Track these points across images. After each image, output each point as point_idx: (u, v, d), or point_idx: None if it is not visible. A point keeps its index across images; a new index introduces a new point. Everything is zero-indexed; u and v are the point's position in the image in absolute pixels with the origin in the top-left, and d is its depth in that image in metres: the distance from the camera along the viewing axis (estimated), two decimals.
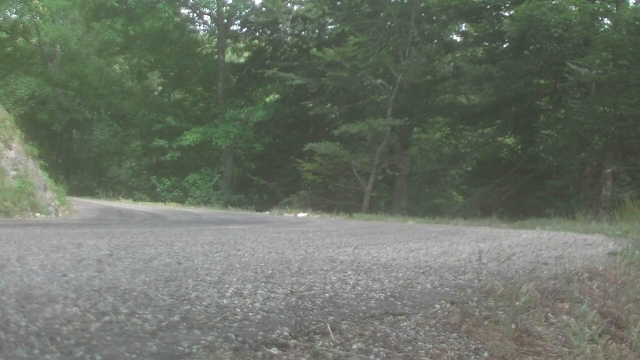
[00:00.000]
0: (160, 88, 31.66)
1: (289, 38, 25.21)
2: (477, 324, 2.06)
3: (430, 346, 1.81)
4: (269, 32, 25.75)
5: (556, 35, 15.75)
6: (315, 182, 21.59)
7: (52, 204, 9.90)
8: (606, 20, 16.31)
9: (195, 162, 26.42)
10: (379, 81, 20.46)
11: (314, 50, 21.02)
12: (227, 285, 2.47)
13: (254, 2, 26.16)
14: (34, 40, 27.60)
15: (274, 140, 25.09)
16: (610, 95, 14.88)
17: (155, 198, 23.69)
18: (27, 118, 20.13)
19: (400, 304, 2.32)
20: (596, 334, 1.94)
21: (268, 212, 16.62)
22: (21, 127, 10.49)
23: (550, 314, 2.38)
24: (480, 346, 1.87)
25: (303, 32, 24.27)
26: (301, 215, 14.16)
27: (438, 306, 2.31)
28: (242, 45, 28.60)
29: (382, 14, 20.53)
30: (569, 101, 17.59)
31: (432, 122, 23.37)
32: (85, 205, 13.60)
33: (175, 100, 30.14)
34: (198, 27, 29.73)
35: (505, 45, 19.36)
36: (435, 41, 21.00)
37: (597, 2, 15.44)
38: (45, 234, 4.82)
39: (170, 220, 9.60)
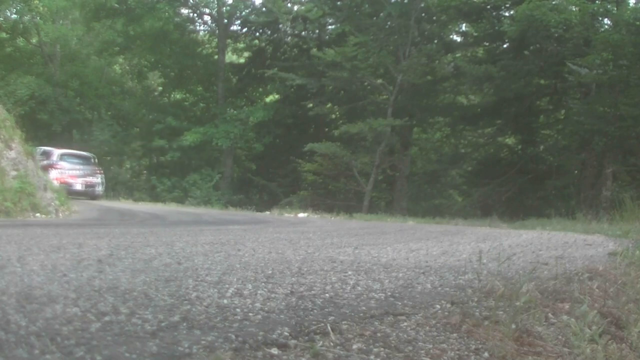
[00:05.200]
0: (160, 88, 31.63)
1: (289, 38, 25.18)
2: (477, 324, 2.06)
3: (430, 346, 1.81)
4: (269, 32, 25.73)
5: (556, 35, 15.74)
6: (315, 182, 21.59)
7: (52, 204, 9.89)
8: (606, 20, 16.30)
9: (195, 162, 26.38)
10: (379, 81, 20.46)
11: (314, 50, 21.02)
12: (227, 285, 2.47)
13: (254, 2, 26.12)
14: (34, 40, 27.58)
15: (274, 140, 25.08)
16: (610, 95, 14.88)
17: (155, 198, 23.66)
18: (27, 118, 20.10)
19: (400, 304, 2.32)
20: (596, 334, 1.94)
21: (268, 212, 16.60)
22: (21, 127, 10.48)
23: (550, 314, 2.38)
24: (480, 346, 1.87)
25: (303, 32, 24.25)
26: (301, 215, 14.15)
27: (438, 306, 2.31)
28: (242, 45, 28.56)
29: (382, 14, 20.53)
30: (569, 101, 17.60)
31: (432, 122, 23.38)
32: (85, 205, 13.59)
33: (175, 100, 30.10)
34: (198, 27, 29.71)
35: (505, 45, 19.37)
36: (435, 41, 21.00)
37: (597, 2, 15.43)
38: (45, 234, 4.81)
39: (170, 220, 9.60)
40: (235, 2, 25.72)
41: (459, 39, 22.82)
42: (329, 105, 22.97)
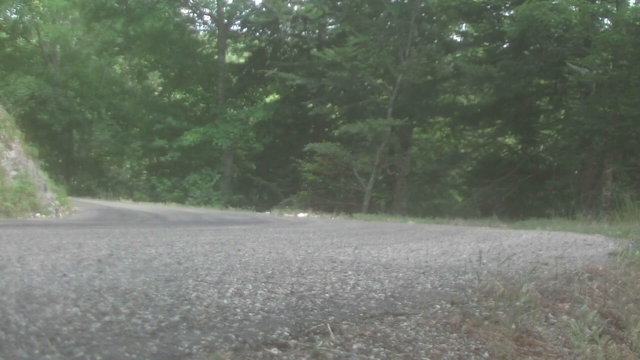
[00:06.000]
0: (160, 88, 31.64)
1: (289, 38, 25.19)
2: (477, 324, 2.06)
3: (430, 346, 1.81)
4: (269, 32, 25.74)
5: (556, 35, 15.74)
6: (315, 182, 21.59)
7: (52, 204, 9.89)
8: (606, 20, 16.31)
9: (195, 162, 26.39)
10: (379, 81, 20.47)
11: (314, 50, 21.03)
12: (227, 285, 2.47)
13: (254, 2, 26.14)
14: (34, 40, 27.58)
15: (274, 140, 25.09)
16: (610, 95, 14.88)
17: (155, 198, 23.66)
18: (27, 118, 20.08)
19: (400, 303, 2.32)
20: (596, 334, 1.94)
21: (268, 212, 16.60)
22: (21, 127, 10.48)
23: (550, 314, 2.37)
24: (480, 346, 1.87)
25: (303, 32, 24.26)
26: (301, 215, 14.15)
27: (438, 306, 2.31)
28: (242, 45, 28.57)
29: (382, 14, 20.53)
30: (569, 101, 17.60)
31: (432, 122, 23.40)
32: (85, 205, 13.59)
33: (175, 100, 30.11)
34: (198, 27, 29.72)
35: (505, 45, 19.38)
36: (435, 41, 21.01)
37: (597, 2, 15.44)
38: (45, 234, 4.81)
39: (170, 220, 9.60)
40: (235, 2, 25.73)
41: (459, 39, 22.85)
42: (329, 105, 22.97)
